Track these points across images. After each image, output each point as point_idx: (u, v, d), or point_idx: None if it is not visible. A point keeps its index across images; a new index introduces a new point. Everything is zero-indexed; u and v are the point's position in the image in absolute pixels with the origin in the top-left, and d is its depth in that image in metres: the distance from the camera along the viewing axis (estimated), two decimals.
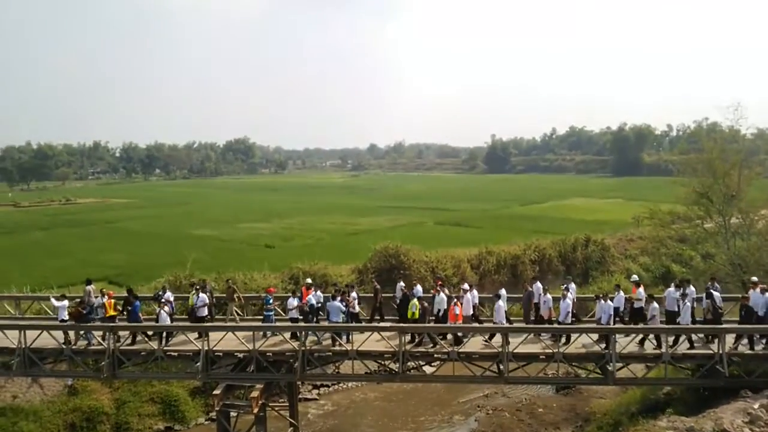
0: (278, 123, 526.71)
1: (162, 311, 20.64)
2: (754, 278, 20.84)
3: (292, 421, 23.24)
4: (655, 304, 19.56)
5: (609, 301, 19.83)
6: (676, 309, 19.56)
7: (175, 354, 20.41)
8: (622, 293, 20.96)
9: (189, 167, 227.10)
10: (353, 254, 43.57)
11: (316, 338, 20.13)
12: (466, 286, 21.58)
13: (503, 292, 21.58)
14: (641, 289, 20.53)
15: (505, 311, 20.94)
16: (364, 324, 21.44)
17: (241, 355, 19.97)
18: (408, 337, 19.71)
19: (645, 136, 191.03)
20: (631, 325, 20.03)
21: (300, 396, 26.77)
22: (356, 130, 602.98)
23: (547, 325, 20.25)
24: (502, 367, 18.99)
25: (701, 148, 39.80)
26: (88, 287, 22.54)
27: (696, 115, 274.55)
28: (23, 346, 20.15)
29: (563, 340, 19.31)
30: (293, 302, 20.82)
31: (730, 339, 18.63)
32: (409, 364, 19.71)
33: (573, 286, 22.04)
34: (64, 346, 20.31)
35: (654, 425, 16.62)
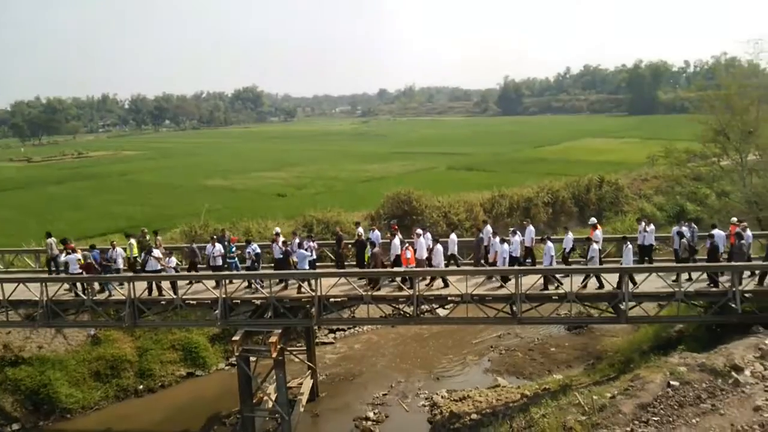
0: (286, 70, 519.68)
1: (150, 258, 21.01)
2: (734, 219, 21.10)
3: (310, 364, 23.90)
4: (595, 245, 19.84)
5: (549, 243, 20.19)
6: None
7: (194, 302, 20.85)
8: (570, 234, 21.37)
9: (198, 117, 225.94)
10: (366, 201, 43.70)
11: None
12: (419, 230, 21.73)
13: (453, 237, 21.96)
14: (598, 231, 20.85)
15: (453, 255, 21.46)
16: (317, 271, 21.21)
17: (258, 302, 20.37)
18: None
19: (661, 73, 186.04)
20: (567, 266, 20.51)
21: (317, 340, 27.41)
22: (365, 74, 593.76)
23: (482, 268, 20.74)
24: (515, 308, 19.23)
25: (719, 85, 38.93)
26: (49, 240, 22.93)
27: (714, 50, 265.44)
28: (45, 298, 20.66)
29: (510, 281, 19.66)
30: (219, 249, 21.56)
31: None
32: (423, 307, 19.98)
33: (531, 229, 22.01)
34: (84, 297, 20.80)
35: (665, 362, 16.83)
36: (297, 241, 21.52)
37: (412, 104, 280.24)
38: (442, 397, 23.29)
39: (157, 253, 21.39)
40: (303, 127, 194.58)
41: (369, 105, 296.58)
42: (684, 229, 20.57)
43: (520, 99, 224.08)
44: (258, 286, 20.47)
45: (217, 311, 20.02)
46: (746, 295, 18.58)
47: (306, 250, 20.84)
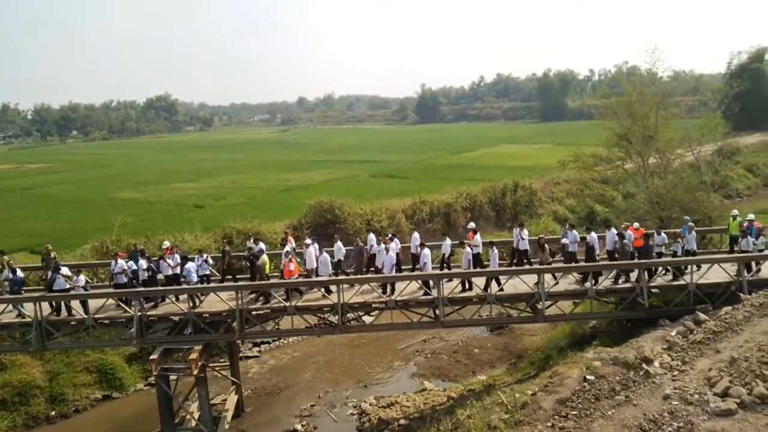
0: (201, 78, 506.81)
1: (58, 277, 19.95)
2: (636, 224, 22.39)
3: (234, 379, 23.31)
4: (468, 250, 20.65)
5: (426, 249, 20.89)
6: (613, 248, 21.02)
7: (107, 321, 19.88)
8: (448, 240, 21.98)
9: (108, 128, 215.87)
10: (287, 210, 43.22)
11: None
12: (308, 240, 21.85)
13: (339, 245, 21.98)
14: (477, 236, 21.44)
15: (338, 260, 21.71)
16: (211, 285, 20.96)
17: (176, 318, 19.67)
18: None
19: (569, 82, 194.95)
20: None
21: (241, 354, 26.78)
22: (284, 82, 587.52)
23: (370, 276, 21.06)
24: (438, 312, 19.54)
25: (621, 92, 41.20)
26: None
27: (617, 59, 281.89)
28: None
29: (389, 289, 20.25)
30: (122, 265, 20.61)
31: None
32: (348, 315, 19.94)
33: (416, 236, 22.63)
34: None
35: (581, 357, 17.57)
36: (177, 255, 20.98)
37: (332, 112, 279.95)
38: (370, 404, 23.29)
39: (65, 271, 20.28)
40: (220, 136, 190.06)
41: (288, 113, 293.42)
42: (567, 232, 21.56)
43: (438, 107, 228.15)
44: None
45: (132, 329, 19.19)
46: (653, 290, 19.77)
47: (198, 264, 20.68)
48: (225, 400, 22.82)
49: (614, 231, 21.16)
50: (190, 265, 20.49)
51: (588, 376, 15.54)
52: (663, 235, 21.10)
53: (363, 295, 20.06)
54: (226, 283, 21.08)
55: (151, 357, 18.88)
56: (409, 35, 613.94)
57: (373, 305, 20.12)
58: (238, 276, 22.52)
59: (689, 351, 15.84)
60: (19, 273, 20.74)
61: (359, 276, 20.89)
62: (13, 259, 24.23)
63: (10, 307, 19.85)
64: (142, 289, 20.14)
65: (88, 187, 69.13)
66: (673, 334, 17.20)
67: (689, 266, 19.57)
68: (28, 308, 19.64)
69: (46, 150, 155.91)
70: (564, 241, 21.43)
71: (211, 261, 21.69)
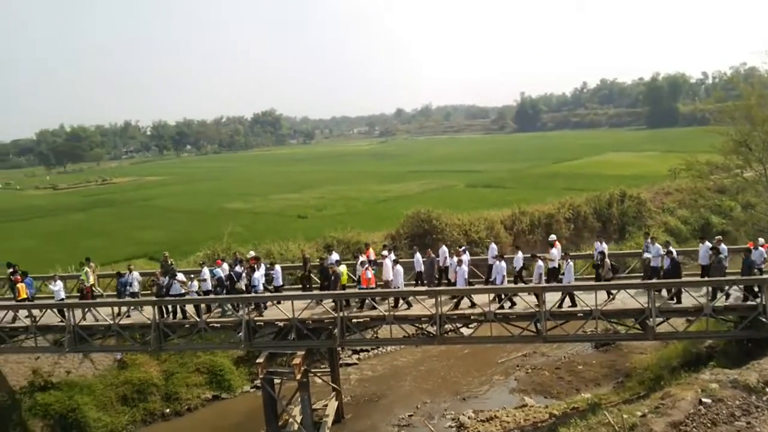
0: (304, 92, 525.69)
1: (174, 282, 21.28)
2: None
3: (334, 385, 23.83)
4: (540, 263, 19.90)
5: (502, 262, 20.18)
6: (708, 263, 19.71)
7: (218, 325, 21.01)
8: (520, 253, 21.16)
9: (219, 142, 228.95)
10: (386, 221, 43.75)
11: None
12: (384, 252, 21.78)
13: (417, 257, 21.85)
14: (554, 250, 20.53)
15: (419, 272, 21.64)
16: (296, 293, 22.05)
17: (281, 324, 20.43)
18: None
19: (679, 86, 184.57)
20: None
21: (340, 361, 27.35)
22: (382, 94, 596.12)
23: (442, 288, 20.67)
24: (539, 326, 19.05)
25: (738, 95, 38.54)
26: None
27: (733, 60, 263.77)
28: (72, 323, 20.96)
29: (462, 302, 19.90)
30: (205, 273, 21.62)
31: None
32: (446, 326, 19.88)
33: (493, 246, 22.04)
34: (111, 322, 21.03)
35: (696, 378, 16.51)
36: (264, 265, 22.01)
37: (429, 123, 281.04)
38: (468, 417, 23.04)
39: (181, 277, 21.64)
40: (322, 148, 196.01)
41: (386, 125, 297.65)
42: (649, 246, 20.27)
43: (538, 115, 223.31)
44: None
45: (240, 333, 20.17)
46: None
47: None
48: (326, 405, 23.38)
49: (708, 244, 19.87)
50: (257, 274, 21.32)
51: (704, 399, 14.59)
52: (761, 249, 19.46)
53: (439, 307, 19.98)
54: (325, 292, 21.60)
55: (258, 360, 19.74)
56: (507, 43, 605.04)
57: (472, 317, 19.94)
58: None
59: None
60: (128, 276, 22.39)
61: (459, 288, 20.65)
62: (133, 264, 26.22)
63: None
64: (251, 295, 21.08)
65: (200, 198, 73.33)
66: None
67: None
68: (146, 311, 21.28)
69: (163, 163, 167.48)
70: (646, 255, 20.25)
71: (280, 271, 22.29)
